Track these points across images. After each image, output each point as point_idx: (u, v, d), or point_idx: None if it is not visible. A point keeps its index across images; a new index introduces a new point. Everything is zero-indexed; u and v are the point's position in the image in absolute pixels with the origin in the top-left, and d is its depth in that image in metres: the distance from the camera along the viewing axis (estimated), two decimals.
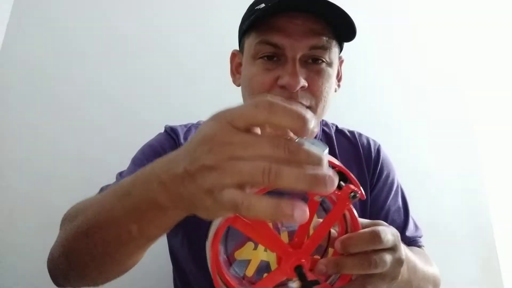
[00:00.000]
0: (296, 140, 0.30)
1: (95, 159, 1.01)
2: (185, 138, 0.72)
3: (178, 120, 1.09)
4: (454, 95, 1.39)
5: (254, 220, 0.37)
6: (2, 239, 0.93)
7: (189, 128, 0.77)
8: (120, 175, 0.70)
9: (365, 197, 0.39)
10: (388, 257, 0.41)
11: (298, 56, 0.61)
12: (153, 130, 1.05)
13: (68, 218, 0.51)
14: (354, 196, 0.39)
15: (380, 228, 0.41)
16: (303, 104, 0.62)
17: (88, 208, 0.45)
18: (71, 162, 1.00)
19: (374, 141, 0.82)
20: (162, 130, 0.79)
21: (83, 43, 1.08)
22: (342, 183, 0.40)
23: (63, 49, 1.06)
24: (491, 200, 1.31)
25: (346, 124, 0.87)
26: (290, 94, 0.60)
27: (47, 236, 0.95)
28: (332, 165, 0.40)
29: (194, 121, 0.82)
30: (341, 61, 0.72)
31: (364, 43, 1.37)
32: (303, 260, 0.38)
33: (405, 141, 1.29)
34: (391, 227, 0.44)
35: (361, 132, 0.84)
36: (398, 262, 0.43)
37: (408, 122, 1.32)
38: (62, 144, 1.00)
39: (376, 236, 0.40)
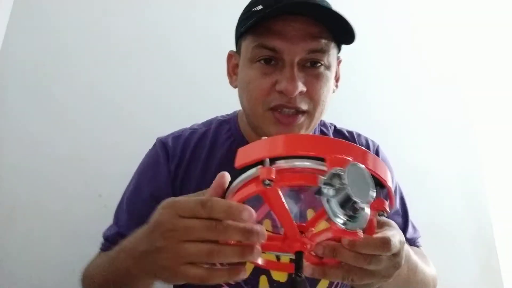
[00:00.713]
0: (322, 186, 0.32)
1: (95, 161, 1.02)
2: (175, 146, 0.73)
3: (176, 122, 1.09)
4: (454, 95, 1.39)
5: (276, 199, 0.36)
6: (2, 241, 0.93)
7: (180, 134, 0.77)
8: (117, 217, 0.75)
9: (389, 212, 0.38)
10: (385, 259, 0.41)
11: (296, 60, 0.60)
12: (152, 132, 1.05)
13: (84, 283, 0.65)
14: (381, 214, 0.38)
15: (391, 235, 0.41)
16: (301, 109, 0.62)
17: (94, 277, 0.60)
18: (70, 164, 1.00)
19: (373, 141, 0.82)
20: (161, 132, 0.80)
21: (82, 44, 1.08)
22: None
23: (63, 50, 1.06)
24: (491, 200, 1.31)
25: (346, 123, 0.86)
26: (288, 99, 0.60)
27: (47, 238, 0.95)
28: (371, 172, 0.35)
29: (189, 125, 0.83)
30: (339, 61, 0.72)
31: (364, 43, 1.36)
32: (307, 246, 0.39)
33: (405, 141, 1.29)
34: (400, 232, 0.44)
35: (360, 133, 0.84)
36: (395, 266, 0.43)
37: (408, 122, 1.32)
38: (62, 146, 1.00)
39: (386, 244, 0.40)
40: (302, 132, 0.64)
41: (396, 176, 1.27)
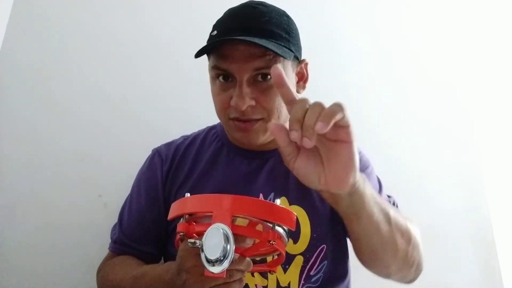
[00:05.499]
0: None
1: (94, 159, 1.02)
2: (167, 152, 0.83)
3: (176, 122, 1.09)
4: (454, 95, 1.39)
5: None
6: (3, 238, 0.93)
7: (172, 141, 0.87)
8: (121, 220, 0.84)
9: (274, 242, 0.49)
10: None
11: (244, 79, 0.68)
12: (152, 133, 1.05)
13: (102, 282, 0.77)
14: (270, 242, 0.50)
15: None
16: (254, 118, 0.70)
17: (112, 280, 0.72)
18: (70, 162, 1.00)
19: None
20: (161, 131, 0.88)
21: (82, 44, 1.08)
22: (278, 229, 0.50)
23: (63, 50, 1.06)
24: (491, 201, 1.31)
25: None
26: (241, 112, 0.69)
27: (47, 237, 0.95)
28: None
29: (189, 126, 0.91)
30: (305, 64, 0.79)
31: (362, 45, 1.37)
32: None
33: (405, 142, 1.29)
34: None
35: None
36: None
37: (408, 124, 1.32)
38: (62, 144, 1.01)
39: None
40: (261, 136, 0.73)
41: (396, 176, 1.27)
